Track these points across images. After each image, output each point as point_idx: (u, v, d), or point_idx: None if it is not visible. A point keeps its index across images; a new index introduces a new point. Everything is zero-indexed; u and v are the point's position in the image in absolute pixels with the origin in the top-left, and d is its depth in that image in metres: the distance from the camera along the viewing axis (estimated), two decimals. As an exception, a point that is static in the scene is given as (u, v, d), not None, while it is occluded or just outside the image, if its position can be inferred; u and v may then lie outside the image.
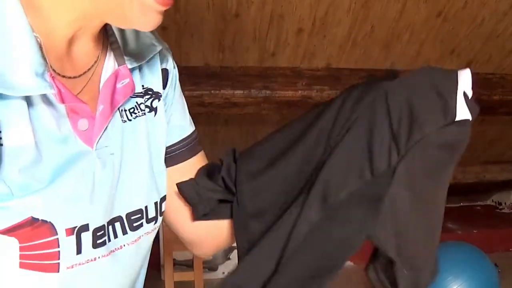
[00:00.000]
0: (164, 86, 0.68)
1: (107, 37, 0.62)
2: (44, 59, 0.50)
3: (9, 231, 0.48)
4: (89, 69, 0.58)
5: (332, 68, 2.21)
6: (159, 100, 0.66)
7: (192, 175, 0.70)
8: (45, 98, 0.51)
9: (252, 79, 2.11)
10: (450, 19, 2.02)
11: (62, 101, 0.51)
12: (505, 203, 3.73)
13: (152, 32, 0.66)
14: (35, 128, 0.49)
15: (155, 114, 0.65)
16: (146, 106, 0.64)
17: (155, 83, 0.66)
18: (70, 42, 0.56)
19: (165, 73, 0.68)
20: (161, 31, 1.93)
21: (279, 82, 2.14)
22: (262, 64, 2.16)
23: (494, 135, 3.01)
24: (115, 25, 0.60)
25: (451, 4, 1.95)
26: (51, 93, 0.50)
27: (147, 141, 0.63)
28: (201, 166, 0.71)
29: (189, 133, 0.72)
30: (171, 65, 0.70)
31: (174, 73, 0.70)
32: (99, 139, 0.56)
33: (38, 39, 0.50)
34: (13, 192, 0.48)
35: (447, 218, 3.38)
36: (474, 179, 3.30)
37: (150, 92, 0.65)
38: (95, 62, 0.59)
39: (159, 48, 0.65)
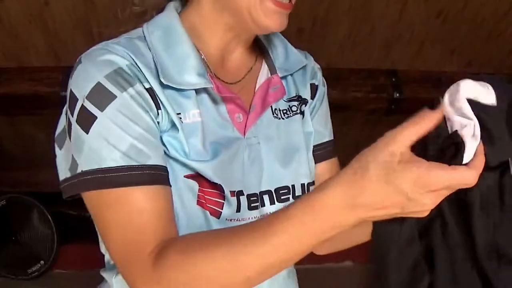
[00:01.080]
0: (312, 97, 0.87)
1: (261, 53, 0.82)
2: (204, 65, 0.72)
3: (191, 177, 0.69)
4: (243, 78, 0.78)
5: (332, 68, 2.21)
6: (306, 105, 0.84)
7: (319, 178, 0.84)
8: (209, 93, 0.72)
9: (252, 79, 2.11)
10: (450, 19, 2.02)
11: (219, 92, 0.71)
12: (505, 203, 3.73)
13: (304, 53, 0.89)
14: (202, 113, 0.70)
15: (303, 117, 0.83)
16: (297, 109, 0.82)
17: (305, 93, 0.85)
18: (226, 54, 0.77)
19: (314, 87, 0.87)
20: (161, 31, 1.93)
21: (279, 82, 2.14)
22: (262, 64, 2.16)
23: (494, 135, 3.01)
24: (254, 32, 0.76)
25: (451, 4, 1.95)
26: (211, 87, 0.70)
27: (297, 136, 0.80)
28: (331, 172, 0.86)
29: (326, 140, 0.88)
30: (320, 82, 0.89)
31: (322, 90, 0.89)
32: (250, 130, 0.75)
33: (201, 53, 0.73)
34: (188, 155, 0.68)
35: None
36: (474, 179, 3.31)
37: (301, 99, 0.84)
38: (248, 71, 0.79)
39: (305, 63, 0.85)
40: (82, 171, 0.63)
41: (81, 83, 0.64)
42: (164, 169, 0.66)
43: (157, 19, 0.74)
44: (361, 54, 2.17)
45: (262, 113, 0.77)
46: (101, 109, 0.62)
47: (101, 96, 0.62)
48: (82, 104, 0.63)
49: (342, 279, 2.74)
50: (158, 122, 0.66)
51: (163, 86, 0.67)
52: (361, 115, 2.50)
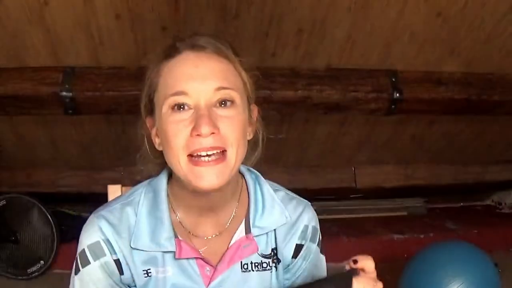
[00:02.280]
0: (294, 257, 0.89)
1: (242, 212, 0.87)
2: (172, 230, 0.82)
3: None
4: (220, 234, 0.85)
5: (332, 68, 2.21)
6: (279, 263, 0.88)
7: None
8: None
9: (252, 79, 2.11)
10: (450, 19, 2.02)
11: (180, 255, 0.81)
12: (505, 203, 3.73)
13: (303, 206, 0.91)
14: (173, 267, 0.82)
15: (276, 270, 0.88)
16: (269, 266, 0.87)
17: (285, 250, 0.88)
18: (203, 213, 0.84)
19: (298, 248, 0.89)
20: (161, 31, 1.93)
21: (279, 82, 2.14)
22: (262, 64, 2.16)
23: (494, 135, 3.01)
24: (194, 191, 0.79)
25: (451, 4, 1.95)
26: (173, 251, 0.81)
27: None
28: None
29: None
30: (308, 242, 0.90)
31: (309, 249, 0.90)
32: (214, 282, 0.82)
33: (176, 215, 0.84)
34: None
35: (447, 218, 3.36)
36: (474, 179, 3.31)
37: (275, 256, 0.87)
38: (225, 229, 0.85)
39: (281, 223, 0.86)
40: None
41: (79, 241, 0.84)
42: None
43: (152, 182, 0.87)
44: (361, 54, 2.17)
45: (228, 268, 0.83)
46: (82, 266, 0.81)
47: (83, 257, 0.81)
48: (78, 255, 0.83)
49: (342, 279, 2.73)
50: (123, 283, 0.83)
51: (134, 249, 0.81)
52: (361, 115, 2.50)
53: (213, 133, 0.72)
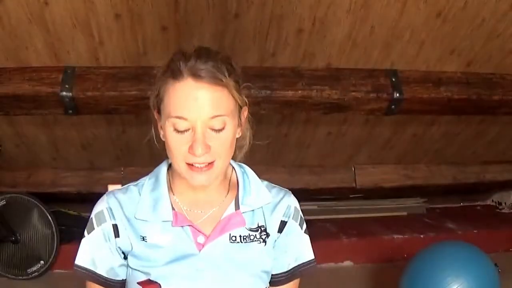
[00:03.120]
0: (279, 231, 1.03)
1: (234, 190, 1.04)
2: (170, 205, 0.99)
3: (144, 284, 0.96)
4: (213, 210, 1.00)
5: (332, 68, 2.21)
6: (268, 237, 1.01)
7: None
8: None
9: (252, 79, 2.10)
10: (450, 19, 2.02)
11: (176, 223, 0.97)
12: (505, 203, 3.73)
13: (284, 192, 1.06)
14: (169, 235, 0.97)
15: (265, 244, 1.01)
16: (258, 237, 1.00)
17: (271, 226, 1.02)
18: (197, 193, 1.01)
19: (282, 224, 1.03)
20: (161, 31, 1.93)
21: (279, 82, 2.14)
22: (262, 64, 2.16)
23: (494, 135, 3.01)
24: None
25: (451, 4, 1.95)
26: (171, 221, 0.97)
27: (250, 259, 0.99)
28: None
29: (284, 270, 1.05)
30: (290, 219, 1.04)
31: (293, 225, 1.04)
32: (205, 248, 0.96)
33: (173, 195, 1.01)
34: (145, 266, 0.96)
35: (447, 218, 3.36)
36: (474, 179, 3.31)
37: (263, 230, 1.01)
38: (219, 206, 1.01)
39: (268, 201, 1.03)
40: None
41: (93, 209, 1.02)
42: (111, 280, 0.99)
43: (156, 169, 1.05)
44: (361, 54, 2.17)
45: (218, 237, 0.98)
46: (88, 232, 1.00)
47: (90, 225, 1.00)
48: (88, 223, 1.01)
49: (342, 279, 2.74)
50: (119, 247, 0.99)
51: (136, 219, 0.98)
52: (361, 115, 2.50)
53: (206, 152, 0.90)
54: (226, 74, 0.90)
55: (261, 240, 1.01)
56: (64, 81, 2.01)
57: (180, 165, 0.93)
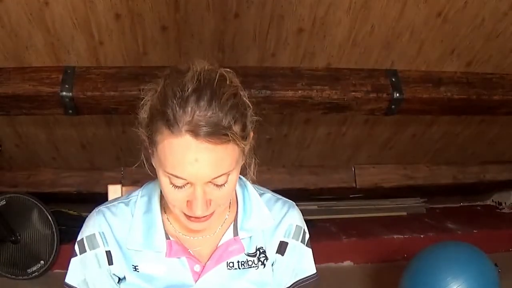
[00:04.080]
0: (280, 253, 0.98)
1: (231, 216, 0.96)
2: (164, 232, 0.93)
3: None
4: (211, 235, 0.94)
5: (332, 68, 2.21)
6: (267, 259, 0.96)
7: None
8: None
9: (252, 79, 2.11)
10: (450, 19, 2.02)
11: (170, 255, 0.91)
12: (505, 203, 3.73)
13: (287, 207, 0.98)
14: (163, 264, 0.91)
15: (264, 267, 0.96)
16: (256, 263, 0.95)
17: (270, 247, 0.97)
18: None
19: (282, 245, 0.98)
20: (161, 31, 1.93)
21: (279, 82, 2.14)
22: (262, 64, 2.16)
23: (494, 135, 3.01)
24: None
25: (451, 4, 1.95)
26: (164, 252, 0.91)
27: (252, 285, 0.94)
28: None
29: (293, 282, 1.01)
30: (291, 239, 0.98)
31: (293, 246, 0.99)
32: (201, 278, 0.91)
33: (167, 218, 0.95)
34: None
35: (447, 218, 3.36)
36: (474, 179, 3.31)
37: (262, 252, 0.96)
38: (215, 232, 0.95)
39: (268, 224, 0.96)
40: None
41: (80, 231, 0.95)
42: None
43: (148, 186, 0.98)
44: (361, 54, 2.17)
45: (215, 266, 0.92)
46: (80, 253, 0.94)
47: (81, 245, 0.94)
48: (77, 242, 0.95)
49: (342, 279, 2.74)
50: (114, 274, 0.94)
51: (129, 249, 0.92)
52: (361, 115, 2.50)
53: (206, 209, 0.82)
54: (232, 122, 0.75)
55: (260, 264, 0.96)
56: (64, 81, 2.01)
57: (176, 212, 0.85)
